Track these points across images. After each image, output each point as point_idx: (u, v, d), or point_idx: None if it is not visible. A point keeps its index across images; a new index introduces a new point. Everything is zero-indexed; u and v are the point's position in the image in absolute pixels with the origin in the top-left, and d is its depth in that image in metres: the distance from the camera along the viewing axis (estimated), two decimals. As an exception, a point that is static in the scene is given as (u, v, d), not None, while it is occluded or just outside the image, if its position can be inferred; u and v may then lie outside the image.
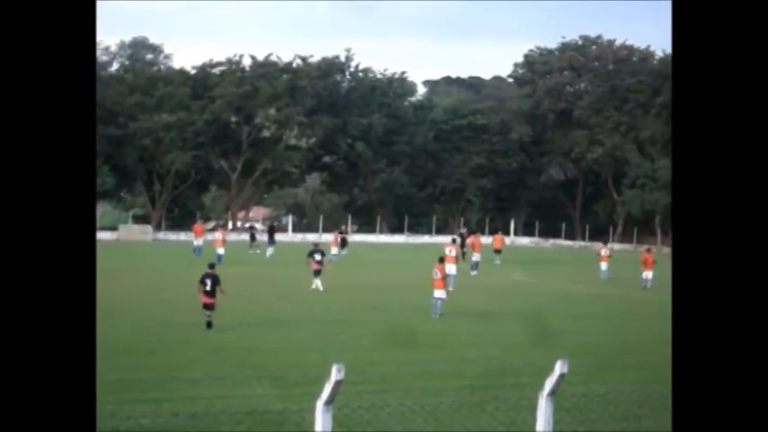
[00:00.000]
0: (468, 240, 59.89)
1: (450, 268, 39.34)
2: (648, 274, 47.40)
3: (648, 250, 51.27)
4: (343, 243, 65.80)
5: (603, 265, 52.40)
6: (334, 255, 58.45)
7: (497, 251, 61.44)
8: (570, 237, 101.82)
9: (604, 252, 53.33)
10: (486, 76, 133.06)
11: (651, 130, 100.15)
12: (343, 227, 75.92)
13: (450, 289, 36.50)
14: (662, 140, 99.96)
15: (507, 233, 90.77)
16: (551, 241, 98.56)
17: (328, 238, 65.50)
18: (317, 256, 40.93)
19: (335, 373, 10.06)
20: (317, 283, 40.11)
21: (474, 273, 51.04)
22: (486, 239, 62.38)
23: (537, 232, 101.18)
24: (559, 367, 11.11)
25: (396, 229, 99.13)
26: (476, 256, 53.36)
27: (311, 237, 65.54)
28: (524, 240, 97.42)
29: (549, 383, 11.24)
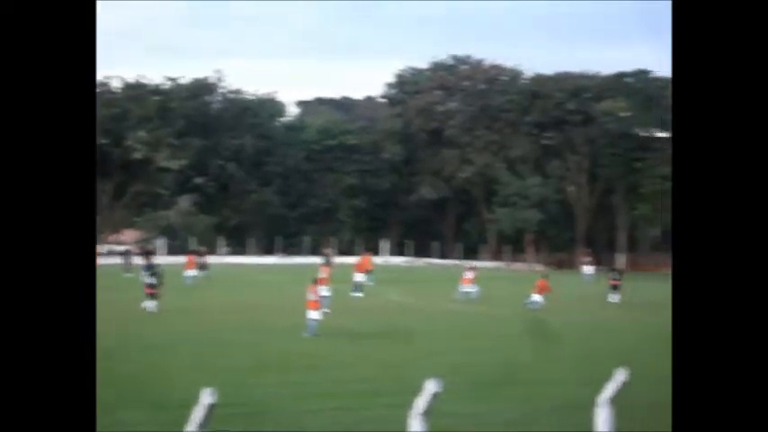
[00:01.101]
0: (354, 261, 59.62)
1: (323, 290, 39.10)
2: (539, 297, 46.22)
3: (545, 277, 50.11)
4: (202, 266, 64.95)
5: (466, 287, 51.55)
6: (189, 276, 57.42)
7: (368, 272, 61.21)
8: (444, 256, 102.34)
9: (469, 275, 52.54)
10: (359, 96, 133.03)
11: (521, 149, 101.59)
12: (201, 248, 74.79)
13: (326, 311, 36.32)
14: (532, 159, 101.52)
15: (377, 253, 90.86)
16: (424, 260, 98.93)
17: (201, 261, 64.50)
18: (149, 280, 40.88)
19: (207, 397, 9.91)
20: (150, 305, 39.86)
21: (352, 293, 50.68)
22: (354, 260, 62.36)
23: (410, 251, 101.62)
24: (430, 386, 11.13)
25: (268, 250, 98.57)
26: (359, 277, 53.12)
27: (182, 259, 64.44)
28: (398, 260, 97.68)
29: (420, 403, 11.25)
